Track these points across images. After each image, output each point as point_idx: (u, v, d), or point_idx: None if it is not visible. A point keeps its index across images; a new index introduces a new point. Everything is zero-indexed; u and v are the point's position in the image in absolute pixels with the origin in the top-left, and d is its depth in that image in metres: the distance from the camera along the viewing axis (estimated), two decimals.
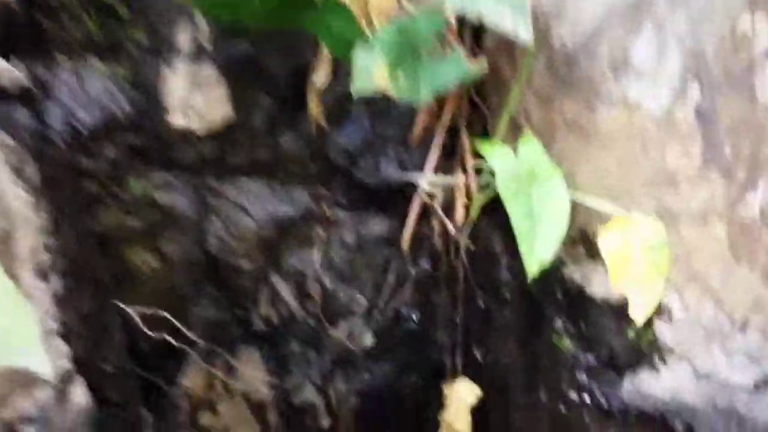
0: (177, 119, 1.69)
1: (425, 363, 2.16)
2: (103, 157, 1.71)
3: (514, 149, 1.50)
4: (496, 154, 1.38)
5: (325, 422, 2.09)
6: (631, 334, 1.62)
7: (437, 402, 2.21)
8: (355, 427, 2.17)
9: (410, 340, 2.12)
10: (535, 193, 1.34)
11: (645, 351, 1.61)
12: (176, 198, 1.81)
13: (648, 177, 1.49)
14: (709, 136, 1.40)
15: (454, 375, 2.04)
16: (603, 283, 1.66)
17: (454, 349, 2.16)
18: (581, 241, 1.69)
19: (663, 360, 1.57)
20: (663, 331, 1.55)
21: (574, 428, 1.84)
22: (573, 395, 1.83)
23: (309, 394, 2.05)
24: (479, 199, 1.71)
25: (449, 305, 2.12)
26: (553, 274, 1.81)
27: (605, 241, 1.44)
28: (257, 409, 2.02)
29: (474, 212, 1.73)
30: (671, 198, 1.46)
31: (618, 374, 1.73)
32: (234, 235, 1.87)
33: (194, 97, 1.68)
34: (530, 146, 1.40)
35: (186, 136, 1.74)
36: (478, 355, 2.07)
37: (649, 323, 1.57)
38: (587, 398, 1.80)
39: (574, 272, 1.72)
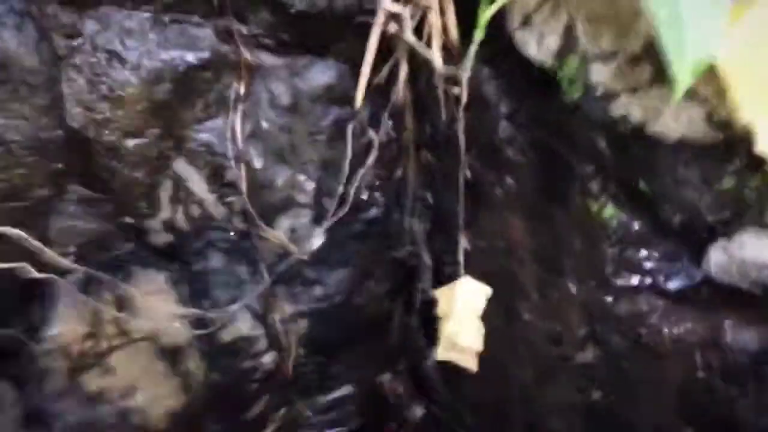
0: None
1: (393, 263, 1.58)
2: None
3: None
4: None
5: (269, 359, 1.49)
6: (729, 183, 1.10)
7: (411, 313, 1.65)
8: (309, 360, 1.58)
9: (372, 233, 1.53)
10: None
11: (752, 204, 1.10)
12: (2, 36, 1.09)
13: None
14: None
15: (442, 274, 1.49)
16: (679, 117, 1.13)
17: (431, 241, 1.59)
18: (646, 56, 1.14)
19: None
20: None
21: (623, 324, 1.33)
22: (622, 280, 1.32)
23: (243, 326, 1.43)
24: (485, 11, 1.11)
25: (422, 181, 1.54)
26: (589, 113, 1.25)
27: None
28: (170, 354, 1.38)
29: (479, 33, 1.13)
30: None
31: (695, 244, 1.22)
32: (107, 98, 1.16)
33: None
34: None
35: None
36: (466, 243, 1.51)
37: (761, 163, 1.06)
38: (645, 281, 1.30)
39: (630, 106, 1.18)
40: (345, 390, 1.65)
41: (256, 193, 1.37)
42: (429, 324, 1.67)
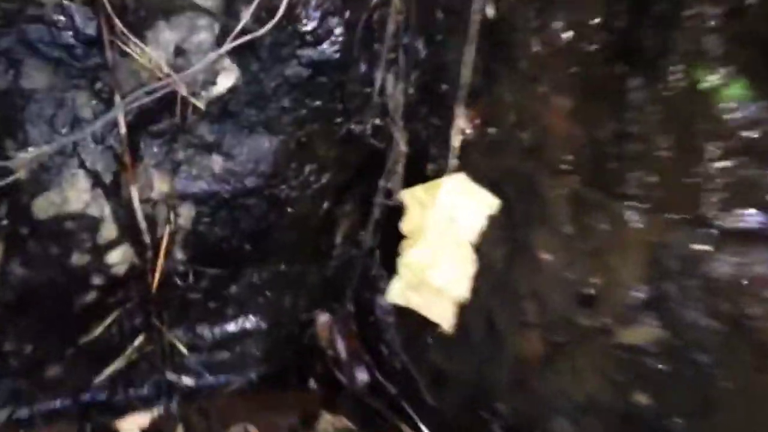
0: None
1: (347, 141, 1.00)
2: None
3: None
4: None
5: (119, 257, 0.95)
6: None
7: (366, 225, 1.08)
8: (191, 270, 1.01)
9: (318, 85, 1.01)
10: None
11: None
12: None
13: None
14: None
15: (423, 171, 0.91)
16: None
17: (413, 115, 1.00)
18: None
19: None
20: None
21: (718, 291, 0.75)
22: (733, 219, 0.73)
23: (73, 195, 0.86)
24: None
25: (415, 17, 0.94)
26: None
27: None
28: None
29: None
30: None
31: None
32: None
33: None
34: None
35: None
36: (466, 125, 0.92)
37: None
38: None
39: None
40: (248, 323, 1.09)
41: None
42: (392, 245, 1.09)
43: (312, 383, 1.16)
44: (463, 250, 0.82)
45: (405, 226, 0.87)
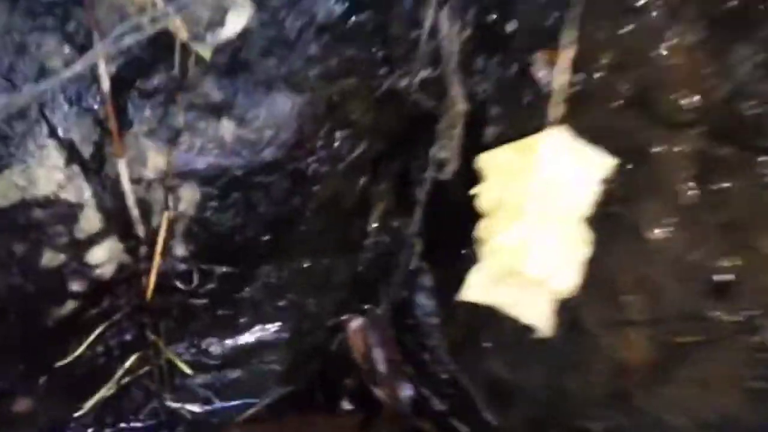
0: None
1: (387, 100, 0.86)
2: None
3: None
4: None
5: (103, 255, 0.72)
6: None
7: (408, 205, 0.84)
8: (196, 269, 0.79)
9: (352, 30, 0.79)
10: None
11: None
12: None
13: None
14: None
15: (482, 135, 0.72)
16: None
17: (470, 60, 0.80)
18: None
19: None
20: None
21: None
22: None
23: (41, 174, 0.63)
24: None
25: None
26: None
27: None
28: None
29: None
30: None
31: None
32: None
33: None
34: None
35: None
36: (543, 70, 0.72)
37: None
38: None
39: None
40: (265, 332, 0.91)
41: None
42: (437, 231, 0.91)
43: (345, 403, 0.98)
44: (571, 228, 0.63)
45: (483, 201, 0.67)
